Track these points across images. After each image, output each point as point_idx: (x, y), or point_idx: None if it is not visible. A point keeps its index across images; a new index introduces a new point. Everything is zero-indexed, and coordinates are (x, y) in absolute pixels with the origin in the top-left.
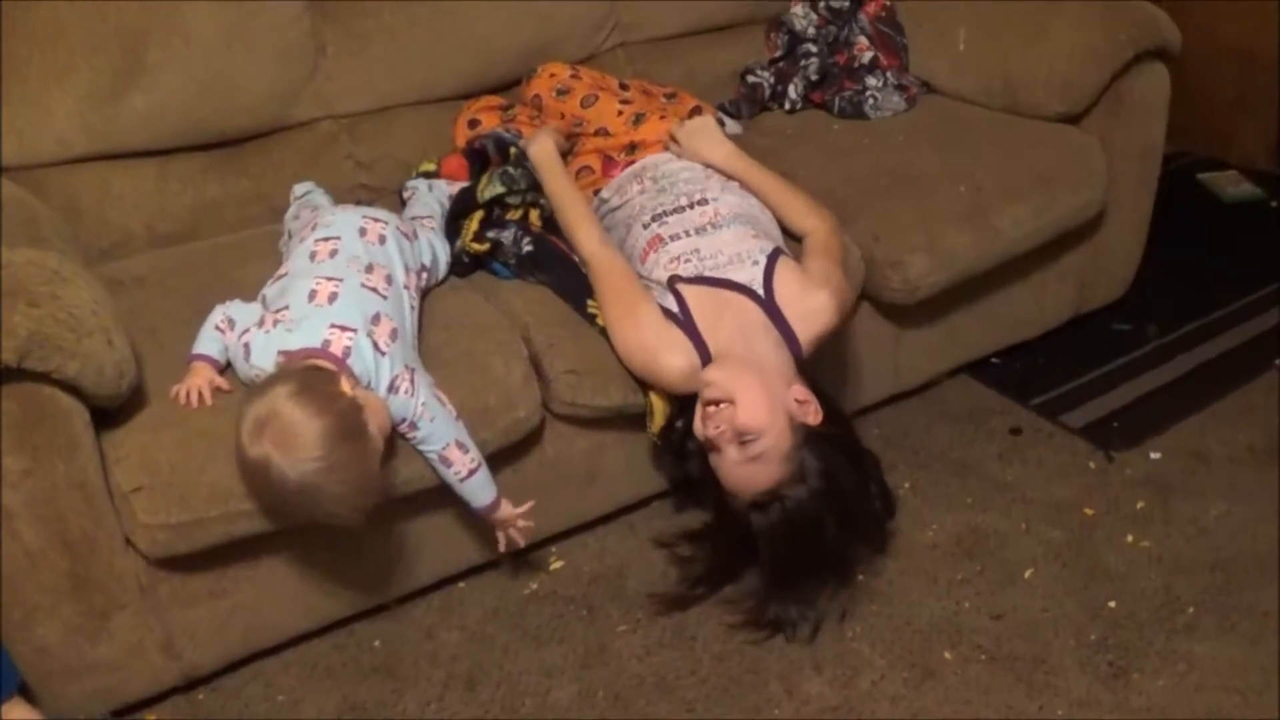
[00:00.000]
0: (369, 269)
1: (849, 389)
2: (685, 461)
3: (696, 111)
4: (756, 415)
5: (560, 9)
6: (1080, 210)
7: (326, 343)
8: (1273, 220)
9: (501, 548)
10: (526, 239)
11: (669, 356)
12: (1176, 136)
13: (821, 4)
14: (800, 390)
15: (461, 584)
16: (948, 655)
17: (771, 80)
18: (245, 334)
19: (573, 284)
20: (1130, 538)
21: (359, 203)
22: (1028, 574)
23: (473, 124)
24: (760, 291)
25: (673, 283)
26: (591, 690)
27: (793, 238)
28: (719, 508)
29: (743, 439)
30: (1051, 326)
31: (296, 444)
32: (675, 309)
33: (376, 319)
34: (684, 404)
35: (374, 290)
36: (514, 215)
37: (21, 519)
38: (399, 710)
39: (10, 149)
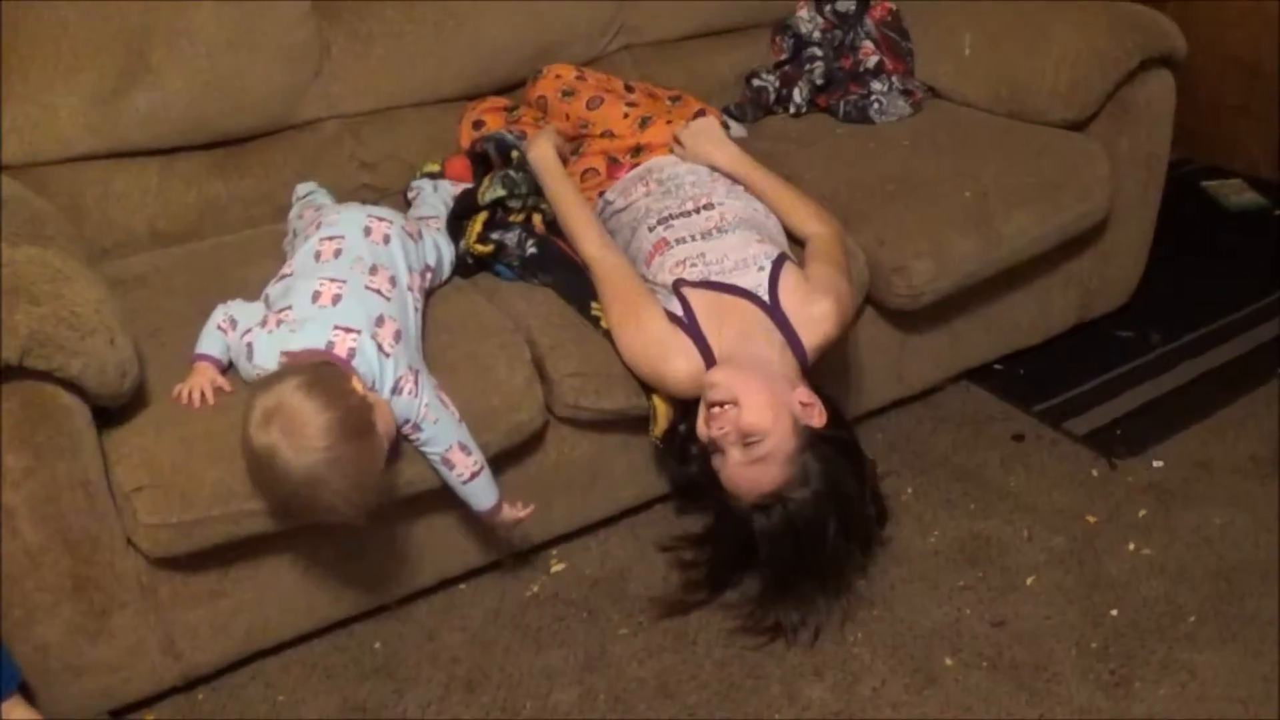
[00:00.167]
0: (373, 270)
1: (852, 394)
2: (687, 465)
3: (701, 115)
4: (761, 416)
5: (565, 10)
6: (1085, 217)
7: (330, 344)
8: (1276, 229)
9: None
10: (530, 241)
11: (674, 361)
12: (1181, 144)
13: (827, 8)
14: (805, 393)
15: (463, 585)
16: (949, 662)
17: (776, 84)
18: (248, 333)
19: (576, 286)
20: (1132, 546)
21: (364, 202)
22: (1029, 581)
23: (477, 125)
24: (765, 297)
25: (678, 286)
26: (592, 693)
27: (796, 241)
28: (720, 510)
29: (747, 440)
30: (1055, 333)
31: (304, 435)
32: (680, 313)
33: (380, 320)
34: (686, 407)
35: (377, 292)
36: (518, 218)
37: (23, 518)
38: (399, 711)
39: (14, 147)
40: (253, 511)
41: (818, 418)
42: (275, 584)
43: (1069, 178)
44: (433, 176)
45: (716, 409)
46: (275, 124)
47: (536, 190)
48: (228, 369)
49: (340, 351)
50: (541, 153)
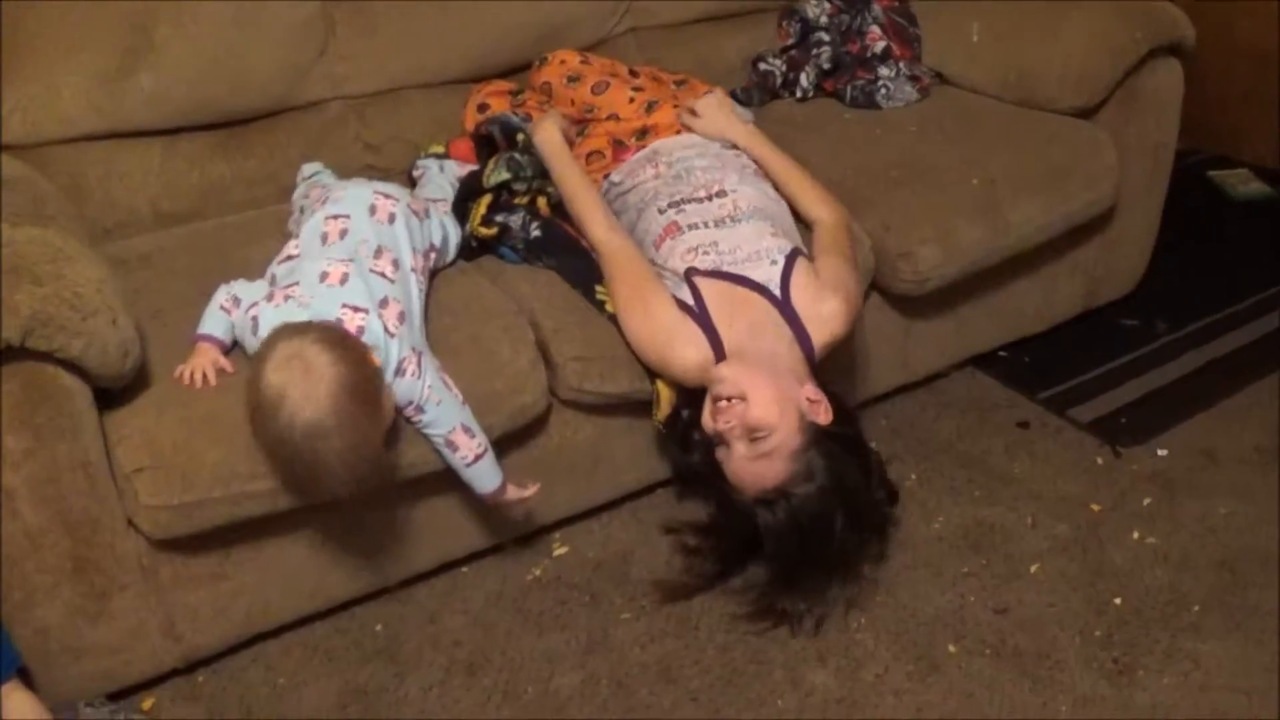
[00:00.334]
0: (377, 253)
1: (857, 379)
2: (689, 451)
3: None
4: (767, 412)
5: None
6: (1091, 205)
7: (339, 321)
8: None
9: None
10: (535, 224)
11: (681, 348)
12: (1188, 133)
13: None
14: (812, 390)
15: (464, 568)
16: (952, 649)
17: (783, 68)
18: (253, 307)
19: (581, 269)
20: (1137, 534)
21: (341, 171)
22: (1033, 569)
23: (482, 108)
24: (777, 292)
25: (690, 275)
26: (594, 677)
27: (801, 223)
28: (723, 500)
29: (753, 435)
30: (1060, 321)
31: (315, 384)
32: (690, 301)
33: (384, 302)
34: (690, 393)
35: (381, 275)
36: (523, 200)
37: (23, 499)
38: (400, 694)
39: (16, 126)
40: (254, 493)
41: (824, 414)
42: (276, 566)
43: (1076, 166)
44: (437, 158)
45: (723, 403)
46: (279, 104)
47: (542, 173)
48: (230, 350)
49: (350, 329)
50: (548, 135)
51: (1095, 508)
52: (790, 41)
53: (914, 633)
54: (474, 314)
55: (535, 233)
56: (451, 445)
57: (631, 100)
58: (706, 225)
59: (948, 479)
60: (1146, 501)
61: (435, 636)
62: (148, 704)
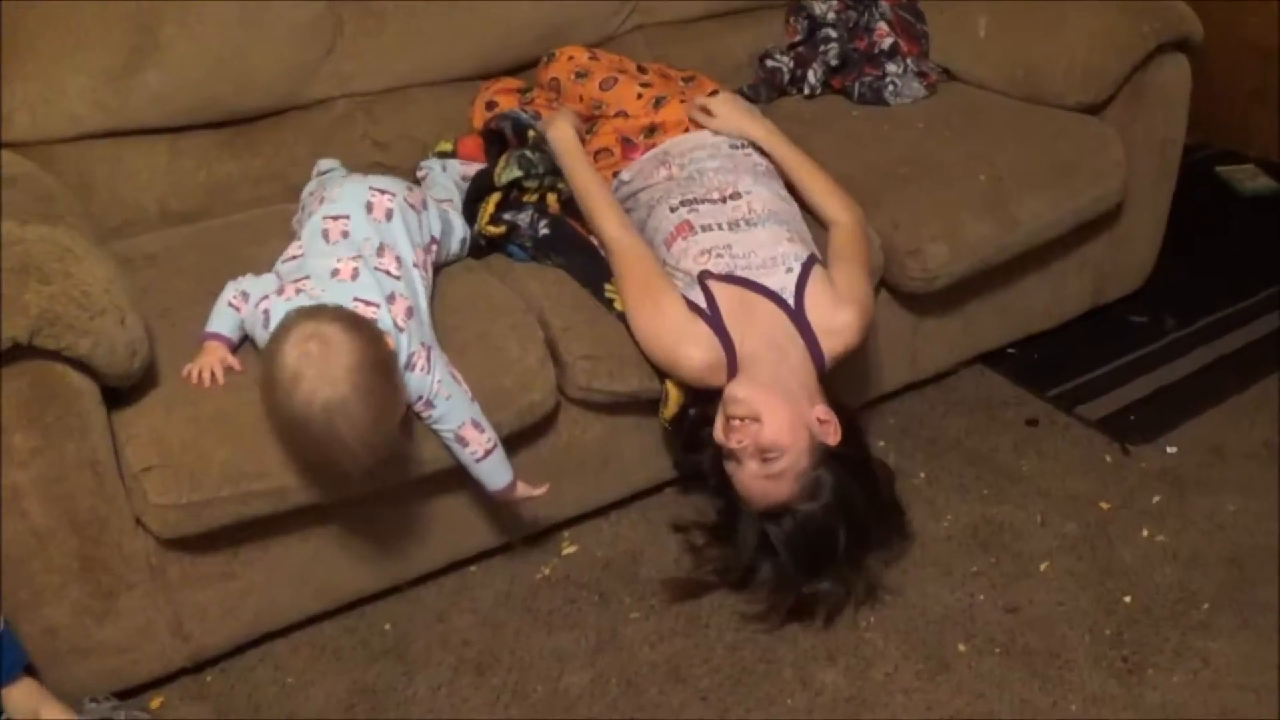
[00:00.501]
0: (380, 251)
1: (865, 377)
2: (696, 453)
3: (715, 95)
4: (780, 434)
5: None
6: (1099, 201)
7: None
8: None
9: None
10: (543, 222)
11: (690, 349)
12: (1195, 129)
13: None
14: (823, 410)
15: (473, 567)
16: (962, 648)
17: (790, 65)
18: (264, 300)
19: (589, 267)
20: (1146, 532)
21: (367, 172)
22: (1043, 567)
23: (490, 106)
24: (790, 301)
25: (703, 278)
26: (603, 677)
27: (816, 220)
28: (730, 507)
29: (765, 456)
30: (1069, 317)
31: (334, 361)
32: (702, 304)
33: (392, 298)
34: (698, 391)
35: (386, 272)
36: (531, 198)
37: (30, 498)
38: (409, 694)
39: (23, 124)
40: (262, 492)
41: (833, 435)
42: (284, 565)
43: (1084, 162)
44: (445, 156)
45: (737, 422)
46: (286, 102)
47: (553, 170)
48: (238, 347)
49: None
50: (561, 133)
51: (1104, 505)
52: (797, 38)
53: (923, 631)
54: (482, 312)
55: (544, 231)
56: (461, 440)
57: (639, 96)
58: (720, 227)
59: (956, 477)
60: (1156, 499)
61: (444, 636)
62: (156, 703)
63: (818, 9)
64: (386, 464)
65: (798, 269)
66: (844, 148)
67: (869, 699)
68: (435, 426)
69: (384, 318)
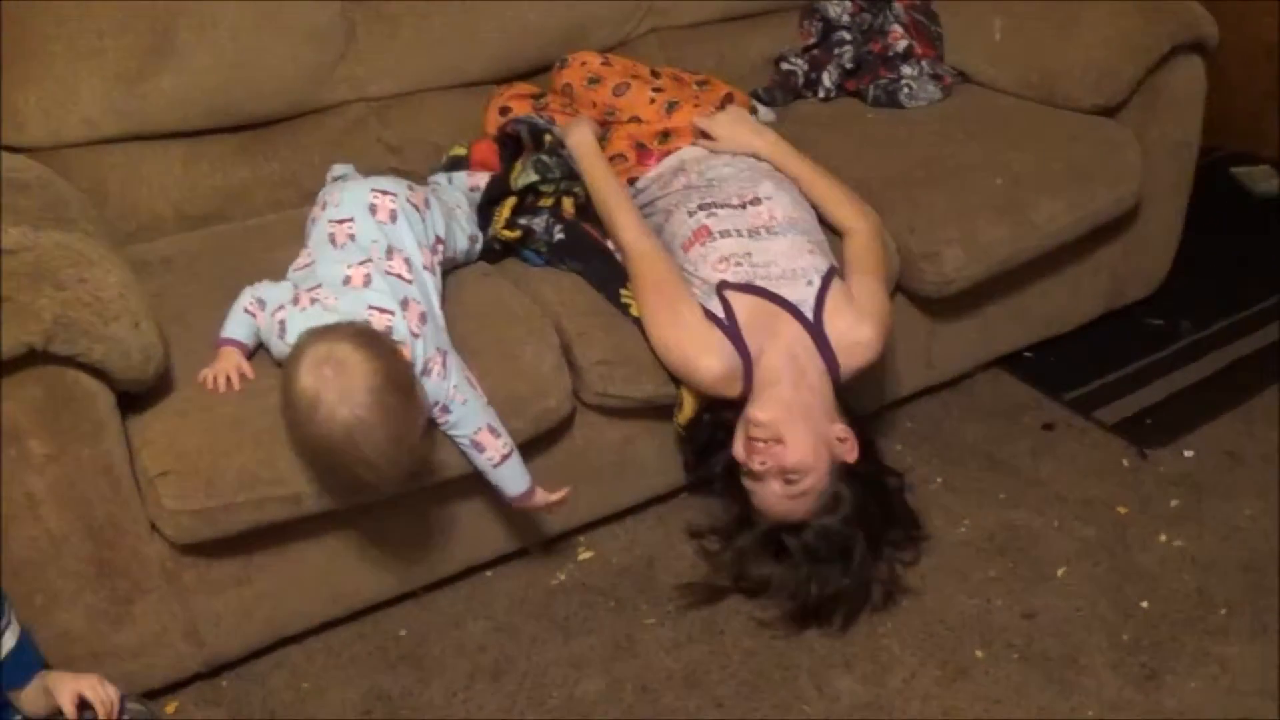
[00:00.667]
0: (389, 253)
1: (882, 381)
2: (710, 460)
3: (729, 99)
4: (804, 457)
5: None
6: (1115, 204)
7: (366, 322)
8: None
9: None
10: (558, 226)
11: (707, 358)
12: (1209, 130)
13: None
14: (841, 428)
15: (489, 573)
16: (979, 654)
17: (805, 68)
18: (280, 310)
19: (605, 273)
20: (1163, 537)
21: (368, 173)
22: (1060, 572)
23: (504, 111)
24: (809, 314)
25: (721, 288)
26: (619, 683)
27: (830, 229)
28: (744, 517)
29: (788, 477)
30: (1085, 321)
31: (350, 383)
32: (720, 314)
33: (405, 303)
34: (714, 399)
35: (398, 276)
36: (546, 202)
37: (46, 503)
38: (424, 700)
39: (38, 129)
40: (278, 498)
41: (851, 453)
42: (300, 571)
43: (1100, 165)
44: (458, 161)
45: (760, 444)
46: (301, 107)
47: (568, 175)
48: (254, 353)
49: (377, 329)
50: (581, 137)
51: (1122, 510)
52: (812, 41)
53: (941, 637)
54: (498, 317)
55: (559, 235)
56: (478, 446)
57: (652, 101)
58: (740, 234)
59: (973, 482)
60: (1173, 504)
61: (459, 641)
62: (170, 708)
63: (832, 11)
64: (412, 476)
65: (818, 282)
66: (859, 151)
67: (886, 705)
68: (451, 432)
69: (399, 325)
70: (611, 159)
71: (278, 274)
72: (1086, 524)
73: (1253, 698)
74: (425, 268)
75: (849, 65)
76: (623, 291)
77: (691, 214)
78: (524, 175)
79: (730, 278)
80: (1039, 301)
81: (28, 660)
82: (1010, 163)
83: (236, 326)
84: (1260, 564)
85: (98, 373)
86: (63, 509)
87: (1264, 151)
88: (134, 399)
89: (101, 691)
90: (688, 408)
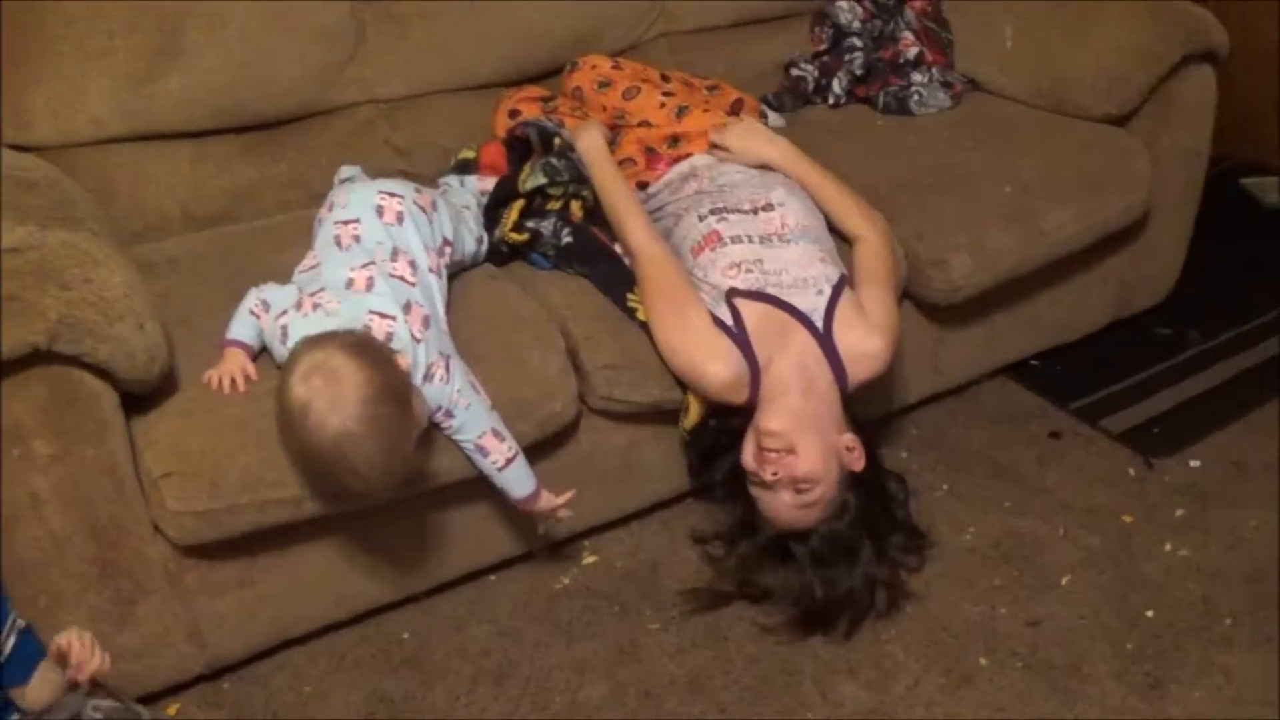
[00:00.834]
0: (394, 255)
1: (888, 388)
2: (714, 465)
3: (739, 104)
4: (815, 467)
5: None
6: (1125, 213)
7: (367, 328)
8: None
9: (540, 530)
10: (566, 230)
11: (714, 364)
12: (1219, 141)
13: None
14: (850, 438)
15: (492, 577)
16: (983, 661)
17: (815, 74)
18: (283, 315)
19: (612, 277)
20: (1169, 546)
21: (376, 175)
22: (1065, 580)
23: (513, 114)
24: (819, 324)
25: (731, 295)
26: (622, 688)
27: (842, 239)
28: (748, 521)
29: (799, 487)
30: (1092, 330)
31: (342, 392)
32: (729, 321)
33: (408, 307)
34: (720, 404)
35: (401, 279)
36: (554, 205)
37: (49, 504)
38: (427, 703)
39: (45, 128)
40: (281, 500)
41: (859, 462)
42: (303, 573)
43: (1109, 173)
44: (467, 164)
45: (771, 454)
46: (309, 108)
47: (577, 178)
48: (259, 354)
49: (378, 335)
50: (591, 141)
51: (1127, 519)
52: (822, 47)
53: (945, 644)
54: (504, 321)
55: (567, 239)
56: (482, 450)
57: (662, 105)
58: (751, 240)
59: (979, 489)
60: (1179, 513)
61: (463, 645)
62: (172, 710)
63: (843, 18)
64: (406, 485)
65: (829, 291)
66: (868, 158)
67: (890, 712)
68: (455, 436)
69: (401, 331)
70: (621, 163)
71: (284, 275)
72: (1092, 532)
73: (1256, 707)
74: (430, 270)
75: (859, 72)
76: (630, 295)
77: (702, 218)
78: (532, 177)
79: (740, 284)
80: (1047, 309)
81: (30, 653)
82: (1019, 171)
83: (241, 328)
84: (1265, 574)
85: (102, 373)
86: (66, 509)
87: (1273, 162)
88: (138, 400)
89: (75, 641)
90: (693, 413)
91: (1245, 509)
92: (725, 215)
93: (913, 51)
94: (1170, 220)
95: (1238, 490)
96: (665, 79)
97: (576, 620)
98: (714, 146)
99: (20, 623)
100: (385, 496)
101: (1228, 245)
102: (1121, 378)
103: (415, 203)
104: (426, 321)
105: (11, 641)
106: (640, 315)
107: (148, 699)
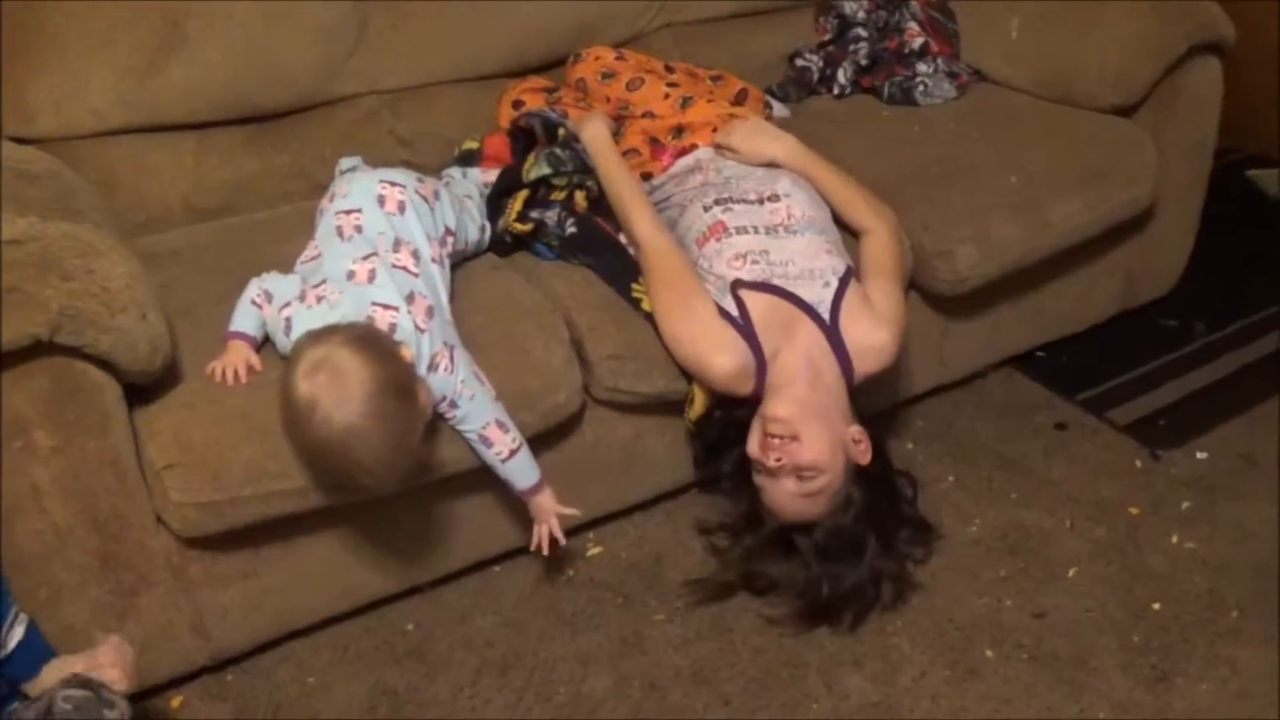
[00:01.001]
0: (396, 245)
1: (894, 379)
2: (719, 455)
3: (743, 94)
4: (820, 455)
5: None
6: (1130, 204)
7: (370, 319)
8: None
9: (534, 544)
10: (570, 220)
11: (720, 355)
12: (1225, 132)
13: None
14: (856, 430)
15: (497, 568)
16: (989, 653)
17: (820, 64)
18: (286, 307)
19: (617, 267)
20: (1175, 538)
21: (378, 166)
22: (1071, 573)
23: (517, 105)
24: (825, 316)
25: (736, 287)
26: (627, 680)
27: (848, 231)
28: (754, 513)
29: (802, 475)
30: (1098, 321)
31: (347, 388)
32: (734, 312)
33: (411, 298)
34: (725, 395)
35: (404, 269)
36: (559, 196)
37: (51, 495)
38: (431, 695)
39: (47, 120)
40: (285, 491)
41: (865, 455)
42: (307, 565)
43: (1115, 164)
44: (470, 155)
45: (776, 440)
46: (312, 99)
47: (581, 168)
48: (262, 345)
49: (381, 326)
50: (596, 132)
51: (1134, 511)
52: (827, 37)
53: (951, 636)
54: (508, 311)
55: (571, 229)
56: (486, 441)
57: (666, 97)
58: (756, 230)
59: (985, 481)
60: (1185, 505)
61: (467, 637)
62: (176, 702)
63: (848, 8)
64: (411, 477)
65: (835, 283)
66: (874, 148)
67: (895, 704)
68: (459, 427)
69: (404, 322)
70: (625, 154)
71: (287, 267)
72: (1098, 524)
73: (1263, 700)
74: (433, 260)
75: (864, 62)
76: (634, 286)
77: (707, 209)
78: (536, 168)
79: (746, 276)
80: (1052, 301)
81: (38, 649)
82: (1025, 162)
83: (244, 319)
84: (1272, 567)
85: (105, 364)
86: (68, 501)
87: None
88: (141, 391)
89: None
90: (698, 404)
91: (1252, 501)
92: (730, 206)
93: (918, 42)
94: (1176, 212)
95: (1244, 483)
96: (669, 70)
97: (581, 612)
98: (719, 148)
99: (25, 616)
100: (391, 489)
101: (1234, 237)
102: (1127, 369)
103: (417, 192)
104: (430, 312)
105: (17, 635)
106: (645, 306)
107: (151, 691)
